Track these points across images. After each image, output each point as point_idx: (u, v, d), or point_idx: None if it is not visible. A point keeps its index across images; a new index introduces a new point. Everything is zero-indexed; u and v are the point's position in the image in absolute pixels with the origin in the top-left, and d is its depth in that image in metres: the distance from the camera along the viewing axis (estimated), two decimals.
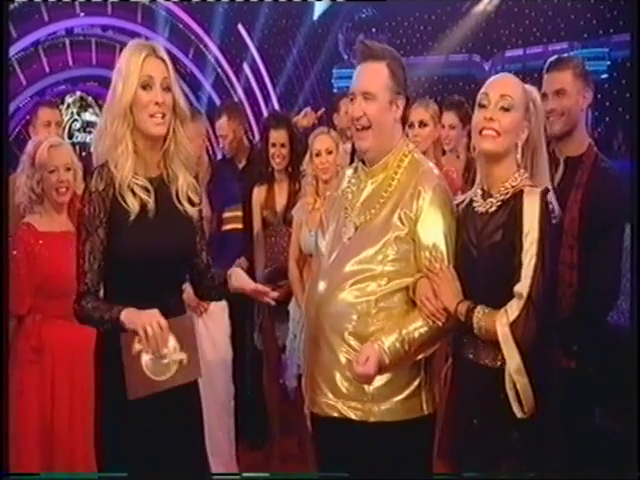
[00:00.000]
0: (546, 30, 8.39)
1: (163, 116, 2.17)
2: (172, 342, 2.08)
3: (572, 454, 2.53)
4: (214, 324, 3.59)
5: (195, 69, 8.47)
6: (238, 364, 3.99)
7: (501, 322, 2.10)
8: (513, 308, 2.10)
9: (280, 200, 4.05)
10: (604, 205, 2.66)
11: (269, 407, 4.14)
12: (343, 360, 2.30)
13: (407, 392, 2.31)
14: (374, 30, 9.07)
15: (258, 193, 4.09)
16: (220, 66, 8.56)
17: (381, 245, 2.29)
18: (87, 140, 7.60)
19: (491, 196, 2.23)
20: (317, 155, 3.66)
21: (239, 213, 3.89)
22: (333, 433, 2.37)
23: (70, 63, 7.63)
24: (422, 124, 3.70)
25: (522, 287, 2.10)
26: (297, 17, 9.06)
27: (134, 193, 2.16)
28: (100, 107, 7.18)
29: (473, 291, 2.21)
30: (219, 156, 5.06)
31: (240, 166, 4.59)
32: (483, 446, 2.20)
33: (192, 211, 2.29)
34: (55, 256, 2.96)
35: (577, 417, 2.62)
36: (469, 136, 2.69)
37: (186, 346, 2.13)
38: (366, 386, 2.27)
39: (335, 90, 8.46)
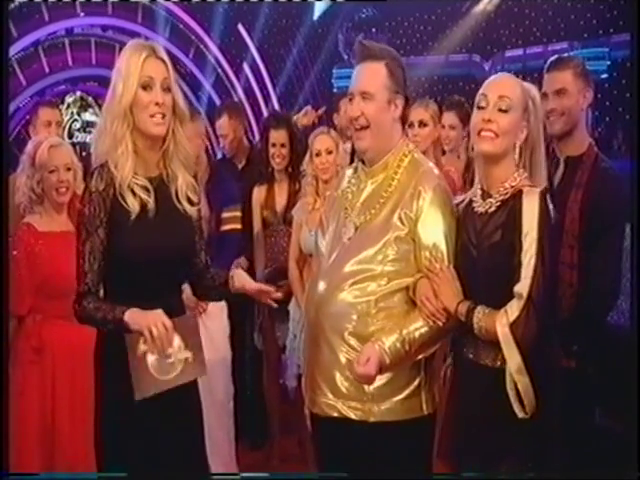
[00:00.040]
0: (546, 30, 8.38)
1: (163, 116, 2.17)
2: (177, 341, 2.10)
3: (572, 454, 2.53)
4: (213, 324, 3.58)
5: (195, 69, 8.46)
6: (238, 364, 3.99)
7: (501, 322, 2.10)
8: (513, 308, 2.10)
9: (280, 200, 4.05)
10: (604, 205, 2.66)
11: (269, 407, 4.14)
12: (343, 360, 2.30)
13: (407, 392, 2.31)
14: (374, 30, 9.06)
15: (258, 193, 4.09)
16: (220, 66, 8.56)
17: (381, 245, 2.29)
18: (87, 140, 7.60)
19: (490, 196, 2.23)
20: (317, 155, 3.66)
21: (238, 213, 3.88)
22: (333, 433, 2.37)
23: (70, 63, 7.62)
24: (422, 124, 3.70)
25: (522, 287, 2.10)
26: (297, 17, 9.05)
27: (134, 193, 2.16)
28: (100, 107, 7.17)
29: (473, 291, 2.21)
30: (219, 156, 5.06)
31: (240, 166, 4.59)
32: (483, 446, 2.20)
33: (191, 211, 2.29)
34: (55, 256, 2.96)
35: (577, 417, 2.62)
36: (469, 136, 2.69)
37: (190, 344, 2.15)
38: (366, 386, 2.27)
39: (335, 90, 8.46)
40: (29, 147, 3.17)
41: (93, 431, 2.24)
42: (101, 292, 2.21)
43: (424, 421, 2.34)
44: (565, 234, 2.68)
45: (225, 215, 3.80)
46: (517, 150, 2.22)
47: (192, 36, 8.38)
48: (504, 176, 2.22)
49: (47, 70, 7.41)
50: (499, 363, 2.16)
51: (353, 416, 2.31)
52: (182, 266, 2.30)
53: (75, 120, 7.86)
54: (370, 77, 2.35)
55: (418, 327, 2.24)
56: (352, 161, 2.75)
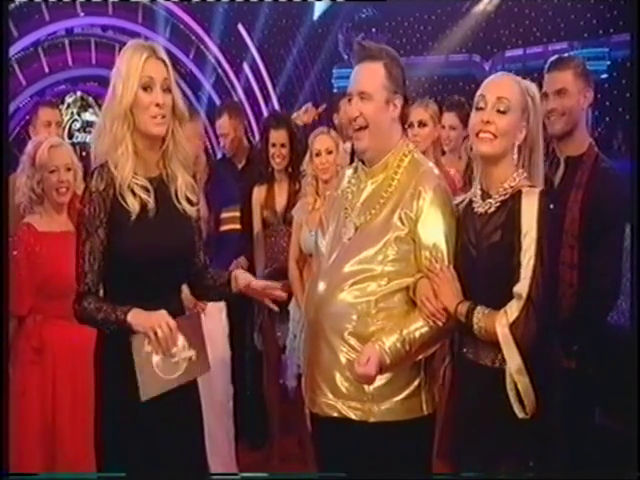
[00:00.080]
0: (546, 30, 8.37)
1: (163, 117, 2.17)
2: (181, 340, 2.11)
3: (572, 454, 2.53)
4: (212, 324, 3.57)
5: (195, 69, 8.46)
6: (238, 364, 3.99)
7: (501, 323, 2.10)
8: (513, 309, 2.10)
9: (280, 200, 4.05)
10: (604, 205, 2.66)
11: (269, 407, 4.14)
12: (343, 360, 2.30)
13: (407, 392, 2.31)
14: (374, 30, 9.05)
15: (258, 193, 4.10)
16: (220, 66, 8.55)
17: (381, 245, 2.29)
18: (87, 140, 7.58)
19: (490, 197, 2.23)
20: (317, 155, 3.67)
21: (237, 214, 3.87)
22: (333, 433, 2.37)
23: (70, 63, 7.62)
24: (421, 124, 3.70)
25: (521, 287, 2.10)
26: (297, 17, 9.05)
27: (134, 193, 2.16)
28: (100, 107, 7.15)
29: (473, 291, 2.21)
30: (219, 156, 5.06)
31: (240, 166, 4.60)
32: (483, 446, 2.20)
33: (191, 210, 2.29)
34: (55, 256, 2.96)
35: (577, 417, 2.62)
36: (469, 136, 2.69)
37: (194, 343, 2.16)
38: (366, 386, 2.27)
39: (335, 90, 8.44)
40: (29, 147, 3.17)
41: (93, 431, 2.24)
42: (101, 292, 2.21)
43: (424, 421, 2.34)
44: (565, 234, 2.68)
45: (224, 215, 3.79)
46: (516, 150, 2.22)
47: (192, 36, 8.38)
48: (503, 176, 2.22)
49: (47, 70, 7.41)
50: (498, 363, 2.16)
51: (353, 416, 2.31)
52: (182, 266, 2.30)
53: (75, 120, 7.86)
54: (368, 77, 2.35)
55: (418, 327, 2.24)
56: (352, 161, 2.76)
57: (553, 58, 2.88)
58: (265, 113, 8.05)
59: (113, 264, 2.17)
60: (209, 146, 7.15)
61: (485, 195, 2.25)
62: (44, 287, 3.02)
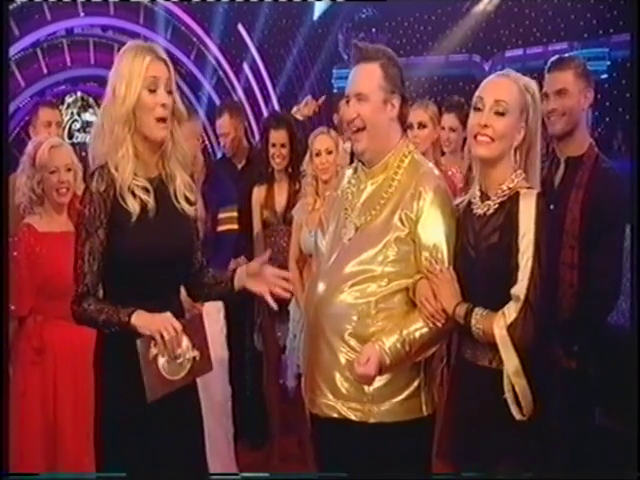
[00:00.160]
0: (546, 30, 8.36)
1: (166, 120, 2.17)
2: (185, 342, 2.12)
3: (572, 454, 2.53)
4: (210, 324, 3.57)
5: (195, 69, 8.46)
6: (238, 364, 3.99)
7: (499, 325, 2.10)
8: (510, 310, 2.10)
9: (280, 200, 4.05)
10: (605, 205, 2.66)
11: (269, 407, 4.14)
12: (343, 361, 2.30)
13: (406, 393, 2.31)
14: (374, 30, 9.05)
15: (258, 193, 4.10)
16: (220, 66, 8.55)
17: (381, 246, 2.29)
18: (87, 140, 7.59)
19: (489, 198, 2.23)
20: (317, 155, 3.67)
21: (234, 214, 3.86)
22: (333, 434, 2.37)
23: (69, 63, 7.61)
24: (421, 125, 3.71)
25: (519, 289, 2.10)
26: (297, 17, 9.04)
27: (134, 195, 2.16)
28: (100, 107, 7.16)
29: (472, 293, 2.21)
30: (219, 155, 5.06)
31: (240, 166, 4.60)
32: (482, 446, 2.20)
33: (190, 210, 2.29)
34: (56, 257, 2.96)
35: (577, 417, 2.62)
36: None
37: (197, 344, 2.17)
38: (366, 387, 2.27)
39: (335, 90, 8.44)
40: (29, 147, 3.17)
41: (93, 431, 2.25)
42: (100, 293, 2.21)
43: (424, 422, 2.34)
44: (565, 234, 2.68)
45: (221, 216, 3.78)
46: (514, 151, 2.22)
47: (193, 37, 8.38)
48: (502, 178, 2.22)
49: (45, 71, 7.40)
50: (496, 364, 2.16)
51: (353, 417, 2.31)
52: (181, 266, 2.30)
53: (75, 120, 7.85)
54: (364, 78, 2.35)
55: (418, 328, 2.24)
56: (352, 161, 2.76)
57: (554, 58, 2.87)
58: (265, 113, 8.05)
59: (113, 265, 2.17)
60: (209, 146, 7.17)
61: (484, 196, 2.25)
62: (44, 287, 3.02)
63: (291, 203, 3.95)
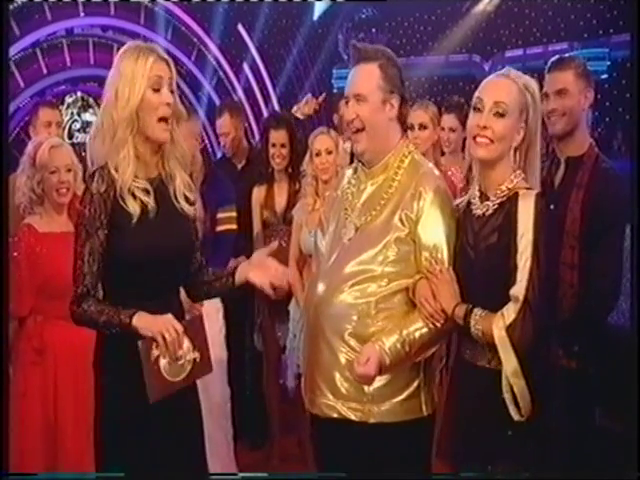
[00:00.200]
0: (546, 30, 8.36)
1: (168, 121, 2.17)
2: (186, 343, 2.12)
3: (572, 454, 2.53)
4: (209, 325, 3.57)
5: (195, 69, 8.46)
6: (238, 364, 3.99)
7: (498, 325, 2.10)
8: (509, 311, 2.10)
9: (280, 200, 4.05)
10: (605, 205, 2.66)
11: (269, 407, 4.14)
12: (343, 361, 2.30)
13: (406, 393, 2.32)
14: (374, 30, 9.05)
15: (258, 193, 4.10)
16: (220, 66, 8.55)
17: (382, 246, 2.29)
18: (87, 141, 7.57)
19: (488, 199, 2.23)
20: (317, 155, 3.67)
21: (233, 214, 3.85)
22: (332, 434, 2.37)
23: (68, 63, 7.61)
24: (422, 126, 3.72)
25: (518, 290, 2.10)
26: (297, 17, 9.04)
27: (134, 196, 2.15)
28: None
29: (471, 293, 2.21)
30: (219, 155, 5.05)
31: (239, 166, 4.60)
32: (481, 446, 2.20)
33: (189, 210, 2.29)
34: (56, 257, 2.96)
35: (577, 417, 2.62)
36: None
37: (198, 345, 2.18)
38: (365, 387, 2.27)
39: (335, 90, 8.43)
40: (29, 148, 3.17)
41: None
42: (100, 293, 2.20)
43: (423, 422, 2.34)
44: (566, 234, 2.68)
45: (220, 216, 3.78)
46: (513, 152, 2.22)
47: (193, 38, 8.37)
48: (501, 178, 2.22)
49: (45, 71, 7.40)
50: (495, 364, 2.16)
51: (353, 417, 2.31)
52: (181, 266, 2.30)
53: (75, 120, 7.85)
54: (363, 79, 2.35)
55: (418, 328, 2.24)
56: (352, 161, 2.76)
57: (554, 58, 2.87)
58: (265, 113, 8.05)
59: (112, 265, 2.17)
60: (209, 146, 7.16)
61: (483, 197, 2.25)
62: (45, 288, 3.02)
63: (291, 203, 3.95)
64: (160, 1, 8.12)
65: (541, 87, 2.57)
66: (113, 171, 2.14)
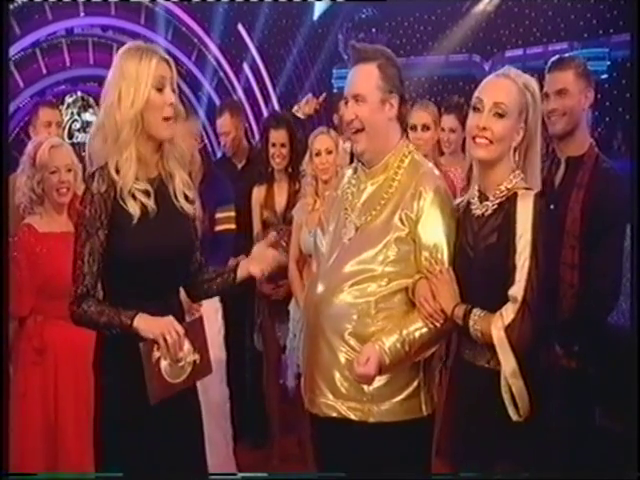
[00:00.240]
0: (546, 30, 8.36)
1: (171, 119, 2.17)
2: (186, 345, 2.13)
3: (572, 454, 2.53)
4: (207, 325, 3.57)
5: (195, 69, 8.46)
6: (238, 365, 3.98)
7: (496, 326, 2.10)
8: (508, 312, 2.10)
9: (280, 200, 4.05)
10: (605, 205, 2.66)
11: (269, 407, 4.14)
12: (343, 360, 2.30)
13: (406, 393, 2.32)
14: (374, 30, 9.05)
15: (258, 193, 4.10)
16: (220, 66, 8.55)
17: (382, 246, 2.29)
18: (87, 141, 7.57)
19: (487, 199, 2.23)
20: (317, 155, 3.66)
21: (232, 213, 3.84)
22: (332, 433, 2.37)
23: (68, 64, 7.61)
24: (425, 127, 3.73)
25: (516, 290, 2.10)
26: (297, 17, 9.04)
27: (135, 197, 2.15)
28: None
29: (470, 293, 2.21)
30: (219, 155, 5.05)
31: (240, 166, 4.60)
32: (480, 446, 2.20)
33: (189, 208, 2.29)
34: (56, 257, 2.95)
35: (577, 417, 2.62)
36: None
37: (198, 347, 2.18)
38: (365, 386, 2.27)
39: (335, 90, 8.44)
40: (29, 147, 3.16)
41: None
42: (100, 293, 2.20)
43: (423, 422, 2.34)
44: (566, 234, 2.68)
45: (219, 215, 3.77)
46: (513, 152, 2.22)
47: (194, 38, 8.38)
48: (500, 178, 2.22)
49: (44, 71, 7.40)
50: (494, 364, 2.16)
51: (352, 416, 2.31)
52: (181, 265, 2.30)
53: (75, 120, 7.85)
54: (362, 79, 2.35)
55: (418, 328, 2.24)
56: (352, 161, 2.76)
57: (554, 58, 2.87)
58: (265, 113, 8.05)
59: (113, 265, 2.17)
60: (209, 146, 7.16)
61: (482, 197, 2.25)
62: (45, 288, 3.01)
63: (291, 203, 3.95)
64: (160, 1, 8.12)
65: (541, 87, 2.57)
66: (114, 172, 2.13)
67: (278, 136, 4.01)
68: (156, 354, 2.06)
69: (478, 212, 2.24)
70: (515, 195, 2.17)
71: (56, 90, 7.62)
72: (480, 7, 8.74)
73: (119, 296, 2.16)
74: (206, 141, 6.99)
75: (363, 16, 9.13)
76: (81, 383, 2.87)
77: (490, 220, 2.21)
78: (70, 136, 7.66)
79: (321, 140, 3.68)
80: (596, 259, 2.66)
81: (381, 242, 2.29)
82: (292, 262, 3.80)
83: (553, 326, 2.46)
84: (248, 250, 3.96)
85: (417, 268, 2.28)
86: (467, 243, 2.25)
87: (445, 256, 2.26)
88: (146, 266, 2.16)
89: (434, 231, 2.27)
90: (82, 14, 7.55)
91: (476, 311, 2.14)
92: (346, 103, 2.39)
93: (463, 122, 3.91)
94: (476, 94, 2.23)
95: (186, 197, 2.28)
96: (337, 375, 2.32)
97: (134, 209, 2.14)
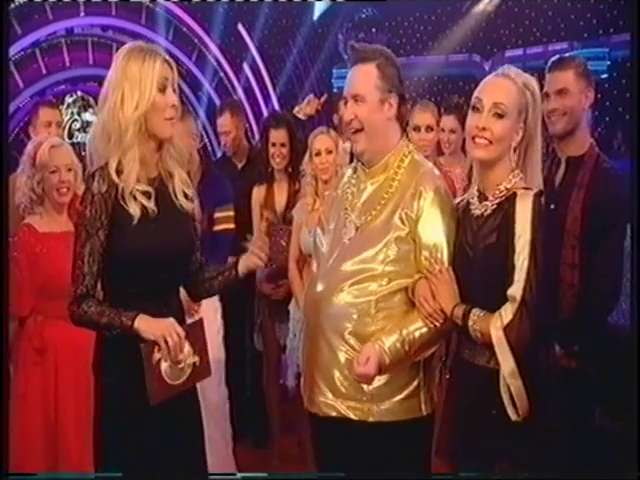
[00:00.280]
0: (546, 30, 8.37)
1: (173, 118, 2.18)
2: (187, 347, 2.13)
3: (572, 454, 2.53)
4: (206, 325, 3.57)
5: (195, 69, 8.46)
6: (237, 365, 3.98)
7: (495, 326, 2.10)
8: (507, 312, 2.10)
9: (280, 200, 4.05)
10: (606, 205, 2.66)
11: (269, 407, 4.14)
12: (342, 359, 2.30)
13: (406, 392, 2.32)
14: (374, 30, 9.06)
15: (258, 193, 4.10)
16: (220, 66, 8.56)
17: (382, 245, 2.29)
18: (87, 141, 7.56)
19: (486, 199, 2.23)
20: (317, 155, 3.67)
21: (231, 213, 3.84)
22: (332, 433, 2.37)
23: (68, 63, 7.61)
24: (429, 128, 3.74)
25: (515, 290, 2.10)
26: (297, 17, 9.05)
27: (136, 198, 2.15)
28: None
29: (470, 293, 2.21)
30: (219, 155, 5.05)
31: (240, 166, 4.60)
32: (480, 446, 2.20)
33: (188, 206, 2.28)
34: (56, 257, 2.95)
35: (577, 417, 2.62)
36: None
37: (198, 349, 2.18)
38: (365, 386, 2.27)
39: (335, 90, 8.44)
40: (29, 147, 3.16)
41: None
42: (100, 293, 2.20)
43: (423, 421, 2.34)
44: (566, 234, 2.68)
45: (218, 215, 3.76)
46: (512, 152, 2.22)
47: (194, 38, 8.38)
48: (500, 178, 2.21)
49: (44, 71, 7.40)
50: (494, 364, 2.16)
51: (352, 416, 2.31)
52: (182, 265, 2.30)
53: (75, 120, 7.85)
54: (361, 79, 2.35)
55: (418, 327, 2.24)
56: (352, 161, 2.76)
57: (554, 58, 2.87)
58: (265, 113, 8.05)
59: (113, 265, 2.17)
60: (209, 145, 7.17)
61: (482, 197, 2.25)
62: (45, 288, 3.01)
63: (291, 203, 3.95)
64: (160, 1, 8.12)
65: (541, 87, 2.57)
66: (114, 173, 2.13)
67: (278, 136, 4.01)
68: (157, 355, 2.07)
69: (477, 212, 2.24)
70: (514, 195, 2.17)
71: (56, 90, 7.61)
72: (480, 7, 8.75)
73: (119, 296, 2.16)
74: (206, 141, 7.01)
75: (363, 16, 9.14)
76: (81, 383, 2.87)
77: (489, 220, 2.21)
78: (70, 136, 7.66)
79: (321, 140, 3.68)
80: (596, 259, 2.66)
81: (381, 241, 2.29)
82: (292, 262, 3.80)
83: (553, 326, 2.46)
84: (247, 250, 4.00)
85: (417, 268, 2.28)
86: (466, 243, 2.25)
87: (445, 256, 2.26)
88: (146, 266, 2.16)
89: (434, 231, 2.27)
90: (82, 14, 7.54)
91: (475, 311, 2.14)
92: (345, 103, 2.39)
93: (463, 122, 3.90)
94: (475, 94, 2.23)
95: (185, 195, 2.28)
96: (337, 374, 2.32)
97: (135, 210, 2.14)
